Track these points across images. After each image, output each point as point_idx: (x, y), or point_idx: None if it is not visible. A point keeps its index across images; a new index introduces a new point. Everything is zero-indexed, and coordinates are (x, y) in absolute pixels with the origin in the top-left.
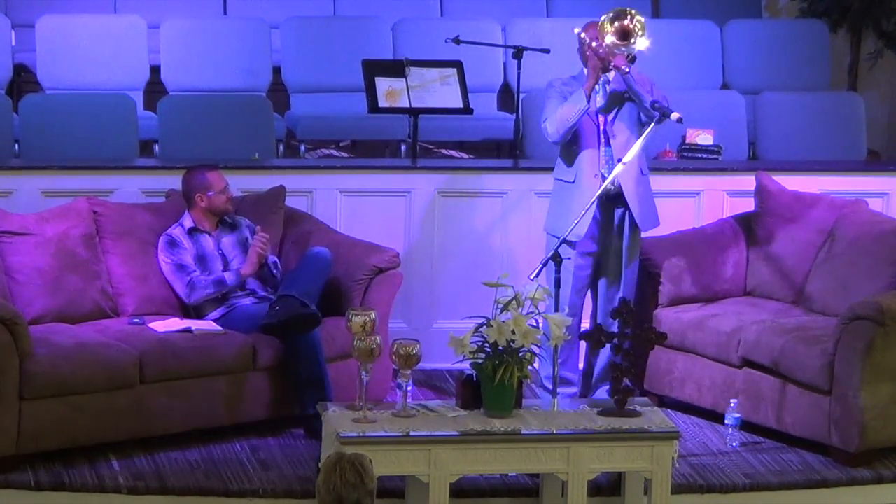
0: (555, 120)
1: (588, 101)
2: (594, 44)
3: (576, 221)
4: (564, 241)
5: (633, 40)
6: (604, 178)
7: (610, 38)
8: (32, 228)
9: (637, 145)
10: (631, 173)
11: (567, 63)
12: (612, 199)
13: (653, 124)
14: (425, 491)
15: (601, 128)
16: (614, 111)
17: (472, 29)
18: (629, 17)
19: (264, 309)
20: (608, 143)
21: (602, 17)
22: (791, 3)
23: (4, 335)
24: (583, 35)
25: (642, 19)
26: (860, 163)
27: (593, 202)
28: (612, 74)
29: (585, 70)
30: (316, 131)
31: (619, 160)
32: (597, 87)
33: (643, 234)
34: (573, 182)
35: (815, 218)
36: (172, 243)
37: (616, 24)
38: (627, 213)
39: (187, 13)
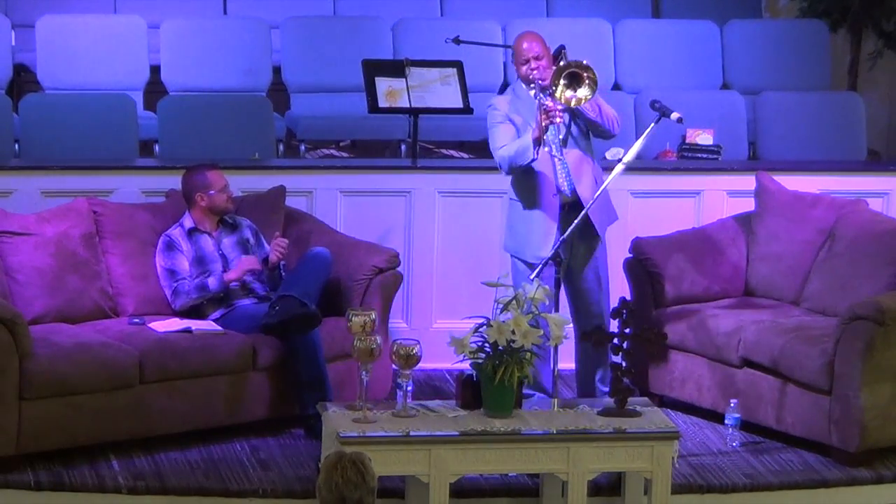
0: (505, 160)
1: (536, 154)
2: (541, 98)
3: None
4: (562, 242)
5: (578, 88)
6: (561, 195)
7: (564, 92)
8: (32, 228)
9: (636, 146)
10: (587, 184)
11: None
12: (573, 208)
13: (652, 125)
14: (425, 491)
15: (552, 151)
16: (564, 132)
17: (472, 29)
18: (583, 68)
19: (264, 309)
20: (562, 161)
21: (560, 63)
22: (791, 3)
23: (4, 335)
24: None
25: (595, 76)
26: (860, 163)
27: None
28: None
29: (525, 86)
30: (316, 131)
31: (619, 160)
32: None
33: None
34: (532, 205)
35: (815, 218)
36: (170, 246)
37: (572, 70)
38: (587, 218)
39: (187, 13)
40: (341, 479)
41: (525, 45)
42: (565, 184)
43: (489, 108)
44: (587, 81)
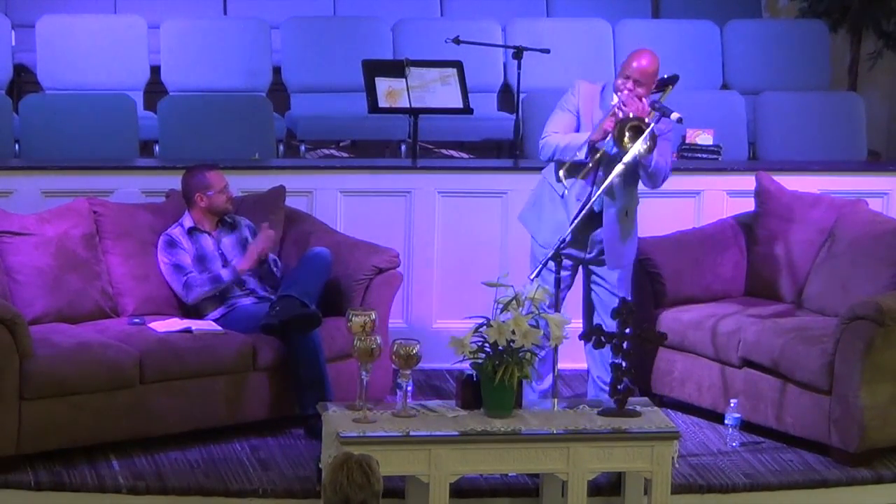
0: (551, 146)
1: (587, 157)
2: (620, 105)
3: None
4: (562, 242)
5: (639, 139)
6: (587, 202)
7: (628, 139)
8: (32, 228)
9: (636, 146)
10: (612, 210)
11: (567, 63)
12: (593, 218)
13: (652, 125)
14: (425, 491)
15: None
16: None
17: (472, 29)
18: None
19: (264, 309)
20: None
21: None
22: (791, 3)
23: (4, 335)
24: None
25: (655, 140)
26: (860, 163)
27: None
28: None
29: (616, 96)
30: (316, 131)
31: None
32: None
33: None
34: (561, 196)
35: (815, 218)
36: (171, 243)
37: (635, 124)
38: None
39: (187, 13)
40: (346, 481)
41: (635, 64)
42: (595, 196)
43: (568, 91)
44: (645, 142)
